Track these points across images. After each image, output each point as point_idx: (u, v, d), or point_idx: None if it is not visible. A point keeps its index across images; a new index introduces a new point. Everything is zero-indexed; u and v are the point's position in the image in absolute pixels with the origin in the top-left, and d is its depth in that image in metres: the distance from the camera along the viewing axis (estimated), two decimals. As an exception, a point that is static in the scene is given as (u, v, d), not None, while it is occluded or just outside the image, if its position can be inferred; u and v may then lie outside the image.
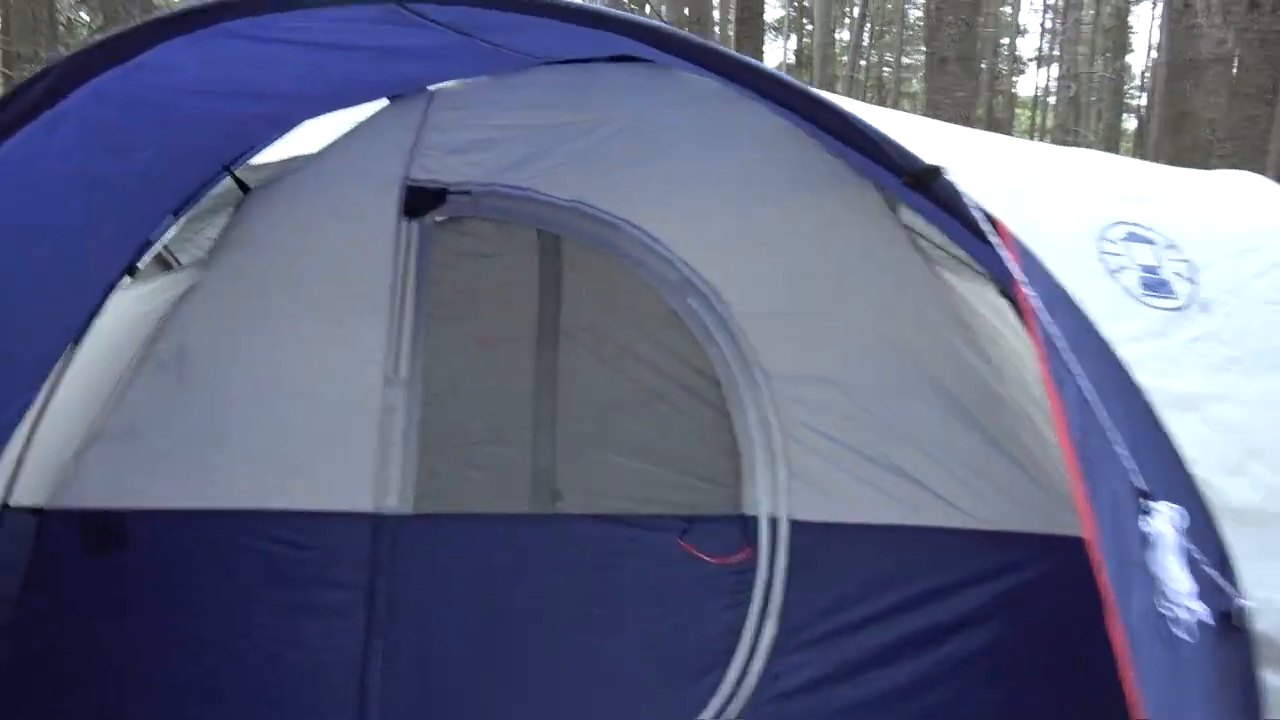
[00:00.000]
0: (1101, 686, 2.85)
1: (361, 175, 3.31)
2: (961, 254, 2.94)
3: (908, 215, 3.07)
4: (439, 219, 3.31)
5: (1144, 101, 29.02)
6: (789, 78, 2.10)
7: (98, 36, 2.02)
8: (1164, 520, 1.90)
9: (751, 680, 3.06)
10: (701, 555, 3.13)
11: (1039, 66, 32.96)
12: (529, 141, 3.28)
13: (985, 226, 1.89)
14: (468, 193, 3.23)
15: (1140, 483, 1.88)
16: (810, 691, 3.02)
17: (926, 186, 1.92)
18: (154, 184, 2.72)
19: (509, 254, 3.32)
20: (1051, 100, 30.86)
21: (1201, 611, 1.87)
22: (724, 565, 3.12)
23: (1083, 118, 27.72)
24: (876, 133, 1.94)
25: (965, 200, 1.90)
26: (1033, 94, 33.31)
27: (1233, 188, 3.27)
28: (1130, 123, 29.59)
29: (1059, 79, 28.48)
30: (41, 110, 1.94)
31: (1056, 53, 30.67)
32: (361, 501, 3.22)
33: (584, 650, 3.20)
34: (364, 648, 3.19)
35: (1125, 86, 28.44)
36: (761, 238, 3.18)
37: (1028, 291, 1.89)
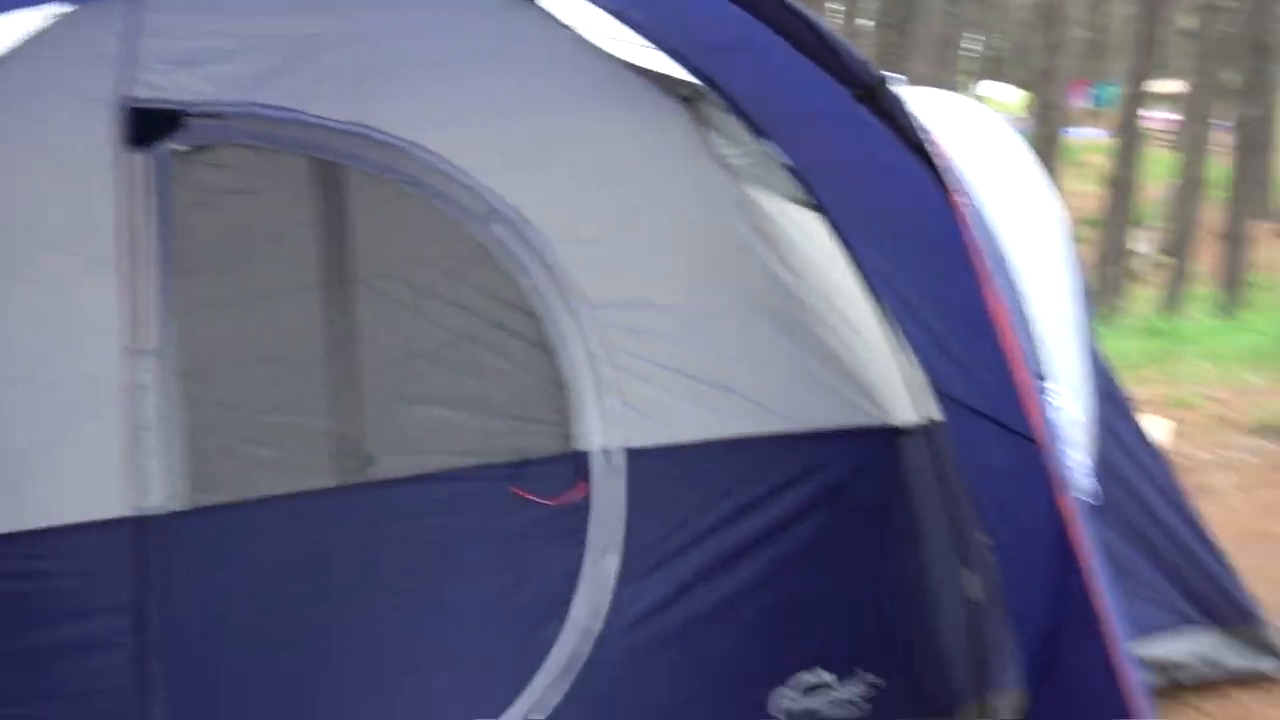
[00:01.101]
0: (912, 564, 3.23)
1: (52, 94, 2.61)
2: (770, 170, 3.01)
3: (713, 133, 3.06)
4: (179, 149, 2.69)
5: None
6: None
7: None
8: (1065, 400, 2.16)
9: (600, 616, 2.99)
10: (535, 498, 2.97)
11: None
12: (275, 51, 2.79)
13: (925, 137, 1.97)
14: (218, 115, 2.66)
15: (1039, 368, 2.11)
16: (658, 612, 3.01)
17: (876, 98, 1.94)
18: None
19: (276, 189, 2.79)
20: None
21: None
22: (560, 505, 2.99)
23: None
24: (839, 41, 1.92)
25: (909, 111, 1.96)
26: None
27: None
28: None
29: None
30: None
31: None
32: (111, 505, 2.65)
33: (415, 629, 2.91)
34: (140, 679, 2.65)
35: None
36: (563, 159, 3.00)
37: (962, 200, 2.00)
